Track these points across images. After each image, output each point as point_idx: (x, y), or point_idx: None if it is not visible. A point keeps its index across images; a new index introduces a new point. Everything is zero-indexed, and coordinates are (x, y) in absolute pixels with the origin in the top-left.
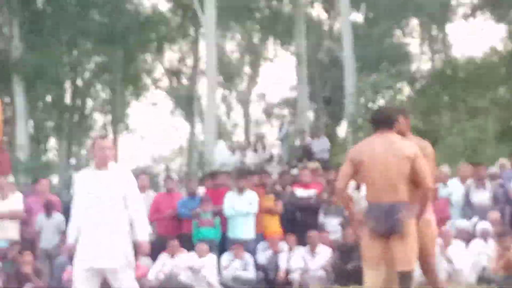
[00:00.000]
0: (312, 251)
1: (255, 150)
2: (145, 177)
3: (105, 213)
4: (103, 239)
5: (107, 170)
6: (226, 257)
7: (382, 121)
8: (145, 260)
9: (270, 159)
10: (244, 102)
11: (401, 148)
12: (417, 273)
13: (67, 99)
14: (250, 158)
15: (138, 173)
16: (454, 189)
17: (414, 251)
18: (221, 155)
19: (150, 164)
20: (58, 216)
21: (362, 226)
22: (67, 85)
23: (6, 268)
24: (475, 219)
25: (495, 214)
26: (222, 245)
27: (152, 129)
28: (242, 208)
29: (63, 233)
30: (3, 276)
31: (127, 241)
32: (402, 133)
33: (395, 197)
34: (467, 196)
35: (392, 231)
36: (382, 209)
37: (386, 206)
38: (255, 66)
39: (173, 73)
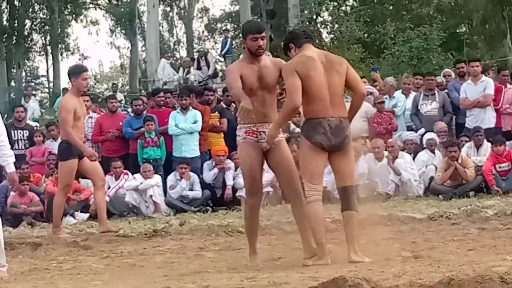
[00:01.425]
0: None
1: (199, 67)
2: (86, 99)
3: None
4: None
5: None
6: (172, 177)
7: (308, 35)
8: (88, 183)
9: (214, 75)
10: (186, 18)
11: (338, 62)
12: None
13: (4, 21)
14: (194, 75)
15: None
16: (399, 101)
17: (354, 165)
18: (164, 73)
19: (92, 84)
20: None
21: (305, 140)
22: (4, 6)
23: None
24: (422, 130)
25: (441, 125)
26: (167, 165)
27: (93, 49)
28: (186, 126)
29: None
30: None
31: None
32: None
33: (340, 113)
34: (415, 106)
35: (340, 146)
36: (332, 124)
37: (335, 121)
38: None
39: None
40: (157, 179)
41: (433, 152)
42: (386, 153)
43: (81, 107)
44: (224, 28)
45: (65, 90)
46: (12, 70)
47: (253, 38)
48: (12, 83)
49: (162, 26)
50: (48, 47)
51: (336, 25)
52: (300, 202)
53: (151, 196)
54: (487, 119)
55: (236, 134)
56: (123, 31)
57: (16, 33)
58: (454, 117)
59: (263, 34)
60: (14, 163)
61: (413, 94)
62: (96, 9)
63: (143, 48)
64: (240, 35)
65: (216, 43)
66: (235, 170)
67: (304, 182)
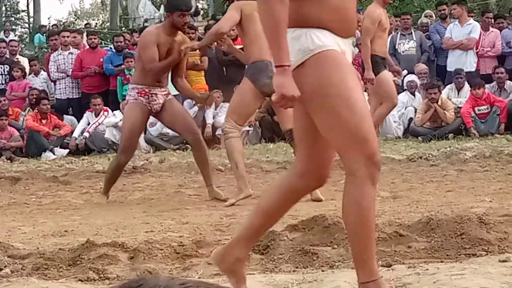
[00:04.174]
0: None
1: None
2: (67, 34)
3: None
4: None
5: None
6: None
7: None
8: (69, 118)
9: (196, 13)
10: None
11: None
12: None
13: None
14: None
15: (60, 29)
16: None
17: None
18: (145, 11)
19: (72, 20)
20: None
21: (249, 83)
22: None
23: None
24: (404, 72)
25: (422, 66)
26: None
27: None
28: None
29: None
30: None
31: None
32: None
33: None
34: (393, 46)
35: None
36: (271, 67)
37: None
38: None
39: None
40: None
41: (413, 94)
42: (365, 93)
43: (386, 19)
44: None
45: (43, 26)
46: None
47: (180, 15)
48: None
49: None
50: None
51: None
52: (201, 146)
53: None
54: (468, 62)
55: (128, 94)
56: None
57: None
58: (435, 59)
59: (191, 11)
60: None
61: None
62: None
63: None
64: None
65: None
66: (215, 109)
67: (228, 120)
